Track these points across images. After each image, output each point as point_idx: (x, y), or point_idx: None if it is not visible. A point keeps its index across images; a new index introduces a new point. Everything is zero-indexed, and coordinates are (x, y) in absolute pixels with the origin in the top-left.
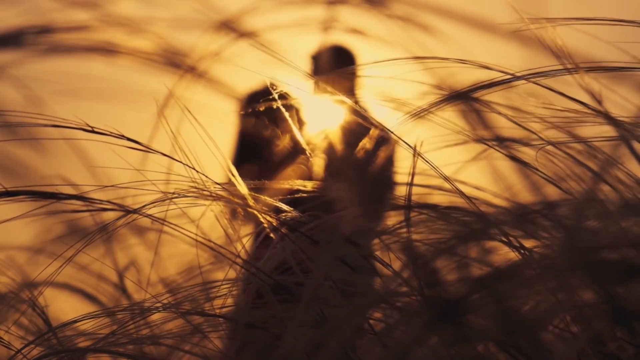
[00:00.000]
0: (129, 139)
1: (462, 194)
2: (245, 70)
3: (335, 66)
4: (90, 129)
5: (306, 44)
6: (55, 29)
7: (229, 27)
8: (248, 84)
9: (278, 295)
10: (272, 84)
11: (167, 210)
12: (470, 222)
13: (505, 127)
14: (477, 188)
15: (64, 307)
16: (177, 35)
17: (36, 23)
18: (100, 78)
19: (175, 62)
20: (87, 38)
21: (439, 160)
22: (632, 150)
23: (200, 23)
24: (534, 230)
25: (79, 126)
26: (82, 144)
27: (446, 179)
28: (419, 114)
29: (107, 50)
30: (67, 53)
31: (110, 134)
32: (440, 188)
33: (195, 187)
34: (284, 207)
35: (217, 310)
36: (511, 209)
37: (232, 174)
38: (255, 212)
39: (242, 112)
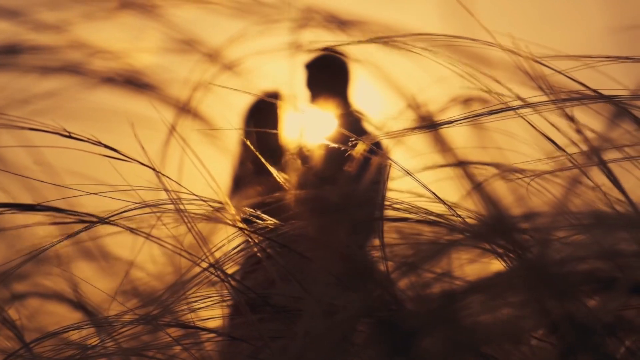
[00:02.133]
0: (106, 147)
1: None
2: (222, 92)
3: (328, 75)
4: (67, 134)
5: (280, 68)
6: (23, 50)
7: (197, 48)
8: (226, 107)
9: (261, 308)
10: (273, 94)
11: (142, 220)
12: (442, 234)
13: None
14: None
15: (50, 318)
16: (155, 60)
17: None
18: (73, 99)
19: (144, 84)
20: (54, 59)
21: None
22: (605, 166)
23: (172, 47)
24: (505, 243)
25: (57, 131)
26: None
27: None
28: (394, 136)
29: (75, 71)
30: (34, 73)
31: (88, 141)
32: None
33: (173, 198)
34: (266, 217)
35: (197, 323)
36: (483, 222)
37: (217, 186)
38: (236, 224)
39: (245, 124)
